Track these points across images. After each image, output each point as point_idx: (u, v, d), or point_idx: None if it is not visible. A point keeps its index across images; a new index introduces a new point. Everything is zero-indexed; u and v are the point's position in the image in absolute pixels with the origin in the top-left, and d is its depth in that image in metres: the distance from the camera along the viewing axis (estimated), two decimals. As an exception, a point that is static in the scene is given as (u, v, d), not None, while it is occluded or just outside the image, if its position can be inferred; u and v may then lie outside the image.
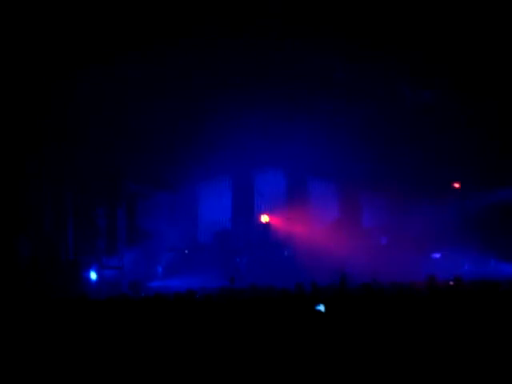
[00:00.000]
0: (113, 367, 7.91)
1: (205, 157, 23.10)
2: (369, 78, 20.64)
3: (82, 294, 19.05)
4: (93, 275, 20.95)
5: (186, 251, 24.72)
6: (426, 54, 19.37)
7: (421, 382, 7.41)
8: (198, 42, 19.30)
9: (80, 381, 7.77)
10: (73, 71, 18.82)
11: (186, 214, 25.37)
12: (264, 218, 24.89)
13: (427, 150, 22.74)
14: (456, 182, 24.29)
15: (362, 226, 25.25)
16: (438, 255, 23.37)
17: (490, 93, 20.56)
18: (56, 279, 19.25)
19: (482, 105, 21.06)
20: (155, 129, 22.09)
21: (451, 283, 13.67)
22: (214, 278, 20.79)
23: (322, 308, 7.41)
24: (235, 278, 20.30)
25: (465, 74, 20.12)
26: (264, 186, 25.62)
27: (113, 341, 8.87)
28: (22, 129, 19.36)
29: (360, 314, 9.07)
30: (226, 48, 19.69)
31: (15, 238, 18.58)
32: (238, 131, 22.39)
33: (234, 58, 20.08)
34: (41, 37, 17.69)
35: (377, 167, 23.21)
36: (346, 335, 8.21)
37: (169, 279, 23.05)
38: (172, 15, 18.06)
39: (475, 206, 23.25)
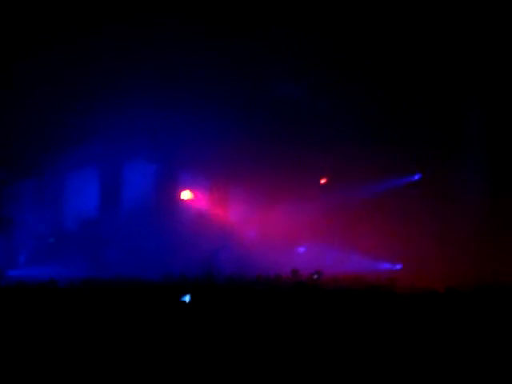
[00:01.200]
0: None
1: (72, 145, 22.62)
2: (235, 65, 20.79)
3: None
4: None
5: (52, 239, 24.16)
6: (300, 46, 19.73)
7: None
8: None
9: None
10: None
11: (51, 201, 24.76)
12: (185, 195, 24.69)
13: (294, 145, 23.10)
14: (322, 177, 24.83)
15: (229, 219, 25.45)
16: (302, 249, 23.88)
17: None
18: None
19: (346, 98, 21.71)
20: (22, 114, 21.45)
21: (315, 277, 14.03)
22: (78, 268, 20.49)
23: (187, 298, 7.43)
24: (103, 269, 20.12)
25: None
26: (134, 177, 25.37)
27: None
28: None
29: (227, 305, 9.14)
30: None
31: None
32: (107, 121, 22.12)
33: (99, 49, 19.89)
34: None
35: (243, 161, 23.44)
36: (212, 324, 8.26)
37: (31, 268, 22.47)
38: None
39: (341, 201, 23.83)
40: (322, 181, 24.85)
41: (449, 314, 8.78)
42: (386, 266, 22.45)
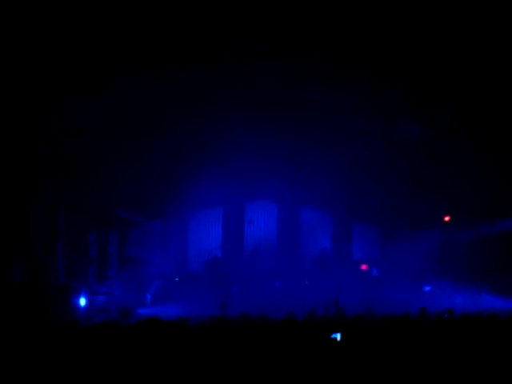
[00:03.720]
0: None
1: (196, 187, 23.18)
2: (364, 112, 20.79)
3: (71, 320, 19.02)
4: (82, 301, 20.84)
5: (176, 279, 24.66)
6: (425, 89, 19.57)
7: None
8: (191, 75, 19.48)
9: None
10: (63, 101, 18.94)
11: (176, 242, 25.34)
12: None
13: (419, 184, 22.86)
14: (446, 215, 24.40)
15: (352, 257, 25.30)
16: (428, 288, 23.41)
17: (482, 127, 20.81)
18: (46, 305, 19.15)
19: (474, 140, 21.30)
20: (147, 160, 22.21)
21: (445, 316, 13.69)
22: (204, 306, 20.74)
23: (337, 336, 7.33)
24: (226, 306, 20.29)
25: (459, 109, 20.36)
26: (255, 215, 25.69)
27: (103, 367, 8.80)
28: (16, 156, 19.40)
29: (357, 343, 9.06)
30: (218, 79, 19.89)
31: (8, 265, 18.52)
32: (230, 163, 22.56)
33: (227, 88, 20.27)
34: (28, 65, 17.78)
35: (369, 199, 23.30)
36: (344, 364, 8.19)
37: (158, 306, 22.95)
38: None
39: (466, 239, 23.32)
40: (447, 218, 24.42)
41: None
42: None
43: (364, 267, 24.33)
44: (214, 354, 9.10)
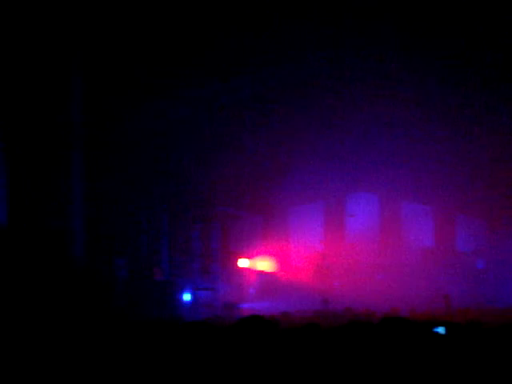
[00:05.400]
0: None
1: (297, 181, 23.23)
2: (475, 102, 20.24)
3: (176, 315, 19.36)
4: (187, 297, 21.18)
5: (279, 273, 24.80)
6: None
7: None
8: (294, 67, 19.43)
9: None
10: (164, 100, 19.19)
11: (277, 236, 25.47)
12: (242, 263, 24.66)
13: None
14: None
15: (456, 250, 24.80)
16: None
17: None
18: (151, 301, 19.54)
19: None
20: (248, 156, 22.39)
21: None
22: (306, 301, 20.75)
23: (441, 330, 7.17)
24: (329, 300, 20.23)
25: None
26: (356, 208, 25.53)
27: (212, 364, 8.89)
28: (118, 157, 19.83)
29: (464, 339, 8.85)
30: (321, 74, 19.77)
31: (114, 261, 18.97)
32: (331, 156, 22.48)
33: (328, 81, 20.14)
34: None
35: (475, 192, 22.75)
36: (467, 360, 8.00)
37: (261, 301, 23.12)
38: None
39: None
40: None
41: None
42: None
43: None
44: (319, 351, 9.09)
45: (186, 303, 21.20)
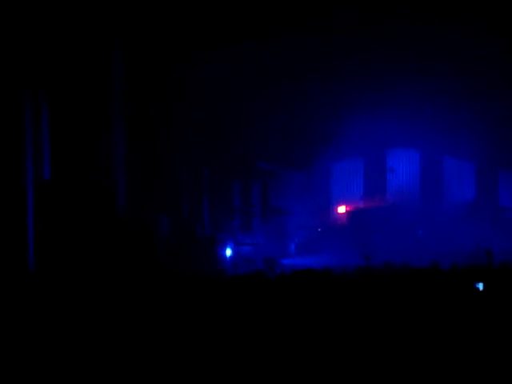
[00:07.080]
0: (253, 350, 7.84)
1: (337, 137, 23.16)
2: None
3: (218, 269, 19.63)
4: (228, 252, 21.40)
5: (319, 229, 24.88)
6: None
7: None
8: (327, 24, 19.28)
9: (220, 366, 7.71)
10: (204, 58, 19.26)
11: (318, 192, 25.51)
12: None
13: None
14: None
15: (498, 205, 24.62)
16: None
17: None
18: (193, 256, 19.81)
19: None
20: (288, 113, 22.38)
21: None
22: (347, 256, 20.81)
23: (481, 286, 7.22)
24: (369, 256, 20.27)
25: None
26: (397, 164, 25.42)
27: (251, 317, 8.97)
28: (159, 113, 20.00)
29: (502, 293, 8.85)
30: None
31: (156, 217, 19.22)
32: (371, 112, 22.37)
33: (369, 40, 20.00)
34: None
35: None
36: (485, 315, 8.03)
37: (301, 257, 23.24)
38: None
39: None
40: None
41: None
42: None
43: None
44: (363, 304, 9.16)
45: (228, 258, 21.45)
